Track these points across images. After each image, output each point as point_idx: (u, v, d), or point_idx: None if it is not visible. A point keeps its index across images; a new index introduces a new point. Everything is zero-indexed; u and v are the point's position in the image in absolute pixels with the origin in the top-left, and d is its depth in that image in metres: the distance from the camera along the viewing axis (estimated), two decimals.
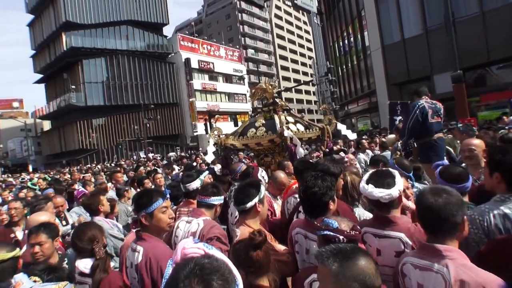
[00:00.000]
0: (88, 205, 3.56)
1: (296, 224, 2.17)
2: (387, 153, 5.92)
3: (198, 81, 46.68)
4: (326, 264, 1.16)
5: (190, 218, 2.51)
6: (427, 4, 16.97)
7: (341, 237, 1.44)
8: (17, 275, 1.88)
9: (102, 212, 3.54)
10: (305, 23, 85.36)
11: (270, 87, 4.87)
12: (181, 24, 73.16)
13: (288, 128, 4.38)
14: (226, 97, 51.86)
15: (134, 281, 2.05)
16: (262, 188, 2.30)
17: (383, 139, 7.88)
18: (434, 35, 16.26)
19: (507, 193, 1.78)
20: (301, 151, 4.25)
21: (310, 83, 57.80)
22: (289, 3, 51.77)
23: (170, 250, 2.13)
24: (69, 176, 13.59)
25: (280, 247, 2.20)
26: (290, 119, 4.80)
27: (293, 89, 60.75)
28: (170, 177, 7.57)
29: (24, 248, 2.79)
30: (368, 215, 2.48)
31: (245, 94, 53.11)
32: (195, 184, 3.23)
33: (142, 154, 29.10)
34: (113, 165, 21.81)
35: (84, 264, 2.02)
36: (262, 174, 3.60)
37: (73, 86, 38.14)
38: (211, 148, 4.94)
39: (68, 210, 4.59)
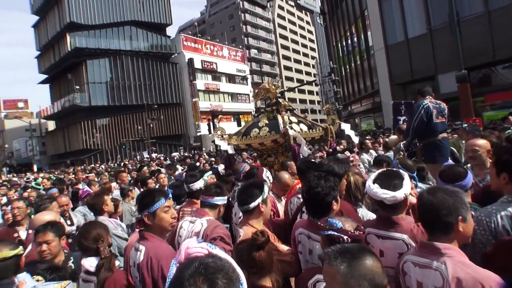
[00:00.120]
0: (92, 205, 3.58)
1: (299, 225, 2.17)
2: (391, 153, 5.88)
3: (201, 81, 46.80)
4: (334, 265, 1.15)
5: (193, 218, 2.52)
6: (431, 4, 16.88)
7: (345, 237, 1.43)
8: (20, 275, 1.90)
9: (106, 212, 3.55)
10: (308, 23, 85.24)
11: (273, 87, 4.86)
12: (184, 25, 73.38)
13: (291, 128, 4.37)
14: (229, 97, 51.94)
15: (136, 280, 2.06)
16: (266, 189, 2.29)
17: (387, 139, 7.85)
18: (438, 35, 16.15)
19: None
20: (306, 150, 4.23)
21: (313, 83, 57.64)
22: (292, 3, 51.71)
23: (172, 249, 2.14)
24: (73, 176, 13.69)
25: (283, 247, 2.20)
26: (293, 119, 4.79)
27: (296, 89, 60.64)
28: (173, 178, 7.58)
29: (29, 247, 2.81)
30: (372, 216, 2.47)
31: (248, 94, 53.17)
32: (199, 184, 3.23)
33: (145, 154, 29.25)
34: (115, 165, 21.91)
35: (90, 263, 2.04)
36: (266, 174, 3.60)
37: (77, 87, 38.41)
38: (224, 145, 4.90)
39: (73, 209, 4.61)
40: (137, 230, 2.39)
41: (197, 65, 46.02)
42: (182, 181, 4.47)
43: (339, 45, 30.13)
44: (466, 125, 6.84)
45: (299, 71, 78.41)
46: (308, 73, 79.99)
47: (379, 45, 20.07)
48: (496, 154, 1.98)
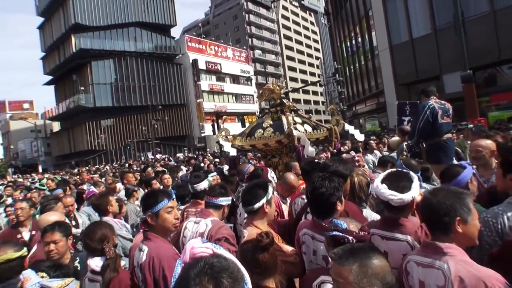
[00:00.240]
0: (97, 205, 3.60)
1: (303, 225, 2.16)
2: (395, 154, 5.85)
3: (206, 82, 46.88)
4: (345, 264, 1.15)
5: (198, 218, 2.53)
6: (435, 4, 16.79)
7: (350, 238, 1.43)
8: (25, 271, 1.94)
9: (111, 213, 3.57)
10: (312, 23, 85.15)
11: (277, 87, 4.86)
12: (189, 26, 73.59)
13: (295, 128, 4.37)
14: (234, 98, 51.98)
15: (139, 281, 2.08)
16: (270, 189, 2.30)
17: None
18: (443, 35, 16.07)
19: None
20: (311, 150, 4.21)
21: (318, 84, 57.60)
22: (296, 4, 51.73)
23: (174, 250, 2.15)
24: (78, 177, 13.77)
25: (288, 248, 2.19)
26: (298, 119, 4.78)
27: (300, 90, 60.56)
28: (177, 179, 7.57)
29: (34, 248, 2.83)
30: (376, 217, 2.46)
31: (253, 95, 53.14)
32: (203, 185, 3.23)
33: (150, 155, 29.35)
34: (120, 166, 22.01)
35: (96, 263, 2.07)
36: (271, 175, 3.60)
37: (82, 88, 38.68)
38: (227, 146, 4.91)
39: (77, 209, 4.64)
40: (142, 230, 2.41)
41: (202, 66, 46.10)
42: (186, 181, 4.48)
43: (344, 45, 30.07)
44: (472, 125, 6.79)
45: (303, 72, 78.32)
46: (312, 74, 79.86)
47: (384, 45, 20.01)
48: (502, 155, 1.97)
